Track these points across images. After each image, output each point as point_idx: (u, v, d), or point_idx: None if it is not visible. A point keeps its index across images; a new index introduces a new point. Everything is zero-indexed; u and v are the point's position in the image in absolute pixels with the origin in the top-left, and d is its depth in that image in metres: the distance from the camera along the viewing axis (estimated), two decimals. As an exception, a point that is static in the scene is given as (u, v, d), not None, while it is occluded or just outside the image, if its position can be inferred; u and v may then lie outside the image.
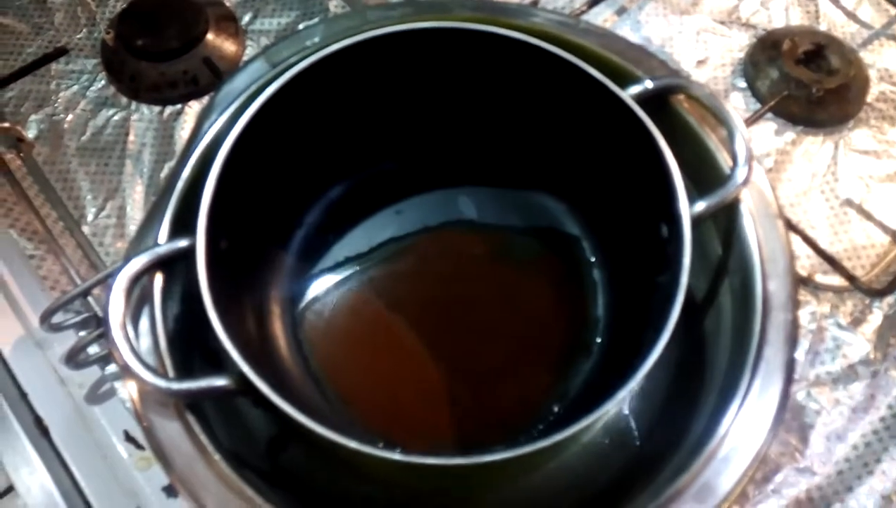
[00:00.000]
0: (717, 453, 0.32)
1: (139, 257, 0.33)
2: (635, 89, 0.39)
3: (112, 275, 0.43)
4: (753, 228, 0.37)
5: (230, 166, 0.35)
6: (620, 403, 0.39)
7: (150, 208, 0.39)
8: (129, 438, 0.43)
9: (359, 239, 0.45)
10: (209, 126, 0.40)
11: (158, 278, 0.35)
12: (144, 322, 0.35)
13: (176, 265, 0.36)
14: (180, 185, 0.37)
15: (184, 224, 0.36)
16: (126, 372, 0.31)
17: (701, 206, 0.36)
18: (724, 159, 0.39)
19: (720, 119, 0.38)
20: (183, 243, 0.35)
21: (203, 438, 0.32)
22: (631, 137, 0.38)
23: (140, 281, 0.34)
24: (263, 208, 0.40)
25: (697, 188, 0.38)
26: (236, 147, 0.36)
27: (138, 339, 0.35)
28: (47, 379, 0.45)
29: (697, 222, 0.36)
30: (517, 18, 0.44)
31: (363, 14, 0.44)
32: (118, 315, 0.32)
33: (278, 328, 0.42)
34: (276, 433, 0.38)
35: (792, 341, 0.34)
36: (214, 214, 0.34)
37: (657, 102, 0.39)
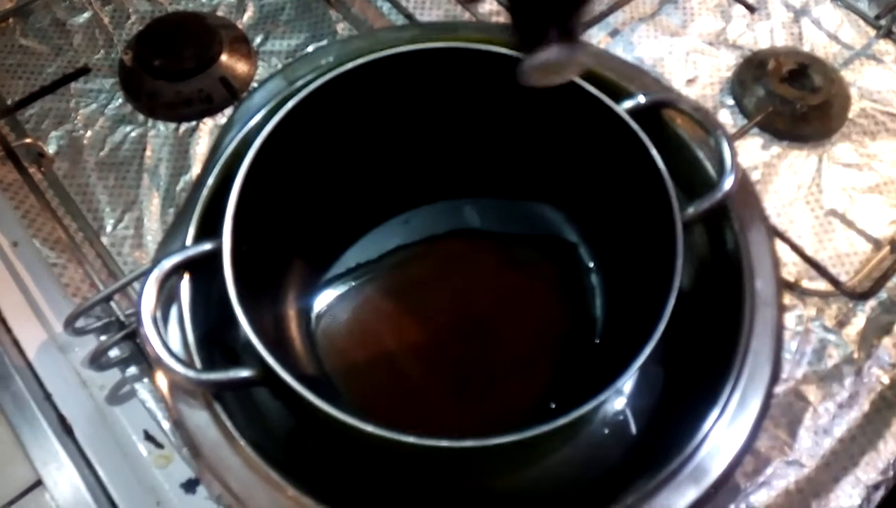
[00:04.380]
0: (710, 436, 0.34)
1: (171, 257, 0.35)
2: (629, 104, 0.41)
3: (132, 282, 0.46)
4: (740, 231, 0.40)
5: (253, 173, 0.38)
6: (618, 395, 0.41)
7: (175, 215, 0.41)
8: (148, 437, 0.45)
9: (369, 247, 0.47)
10: (230, 139, 0.42)
11: (186, 278, 0.37)
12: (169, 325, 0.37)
13: (198, 270, 0.38)
14: (205, 193, 0.39)
15: (207, 231, 0.38)
16: (158, 364, 0.33)
17: (691, 211, 0.39)
18: (712, 168, 0.42)
19: (708, 131, 0.41)
20: (208, 246, 0.37)
21: (230, 425, 0.34)
22: (625, 148, 0.40)
23: (169, 280, 0.36)
24: (280, 215, 0.42)
25: (687, 195, 0.40)
26: (259, 156, 0.38)
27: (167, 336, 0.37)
28: (70, 381, 0.47)
29: (688, 225, 0.38)
30: (518, 39, 0.46)
31: (375, 35, 0.46)
32: (150, 310, 0.34)
33: (293, 331, 0.44)
34: (294, 425, 0.39)
35: (778, 334, 0.37)
36: (238, 217, 0.36)
37: (650, 116, 0.42)
